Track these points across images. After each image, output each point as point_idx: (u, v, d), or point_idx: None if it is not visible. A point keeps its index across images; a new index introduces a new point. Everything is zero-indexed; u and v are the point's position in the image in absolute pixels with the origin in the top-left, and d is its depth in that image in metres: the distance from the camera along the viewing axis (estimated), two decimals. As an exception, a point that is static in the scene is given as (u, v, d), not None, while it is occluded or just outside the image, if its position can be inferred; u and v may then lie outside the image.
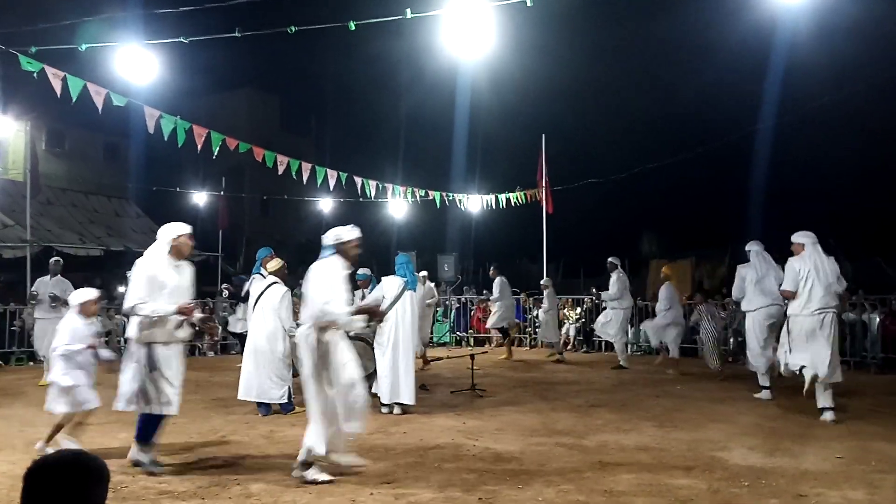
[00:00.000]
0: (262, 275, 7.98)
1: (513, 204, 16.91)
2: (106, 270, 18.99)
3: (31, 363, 12.57)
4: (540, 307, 15.33)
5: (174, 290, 5.19)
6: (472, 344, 16.28)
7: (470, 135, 25.87)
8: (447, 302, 16.80)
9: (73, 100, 7.47)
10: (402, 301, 7.69)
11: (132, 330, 5.20)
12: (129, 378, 5.17)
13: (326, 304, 4.84)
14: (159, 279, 5.14)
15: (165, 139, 9.01)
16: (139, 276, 5.14)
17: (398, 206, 18.91)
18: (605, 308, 12.80)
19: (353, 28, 7.10)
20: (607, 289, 12.46)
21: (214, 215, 22.12)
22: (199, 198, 22.23)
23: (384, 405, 7.59)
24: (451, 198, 16.50)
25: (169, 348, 5.22)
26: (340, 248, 5.11)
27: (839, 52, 17.94)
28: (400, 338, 7.62)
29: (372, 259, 19.51)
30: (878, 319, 11.41)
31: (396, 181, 15.96)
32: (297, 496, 4.57)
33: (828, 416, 6.92)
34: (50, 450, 5.53)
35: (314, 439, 4.85)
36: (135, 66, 8.13)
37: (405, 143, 29.34)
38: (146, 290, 5.08)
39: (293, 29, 7.27)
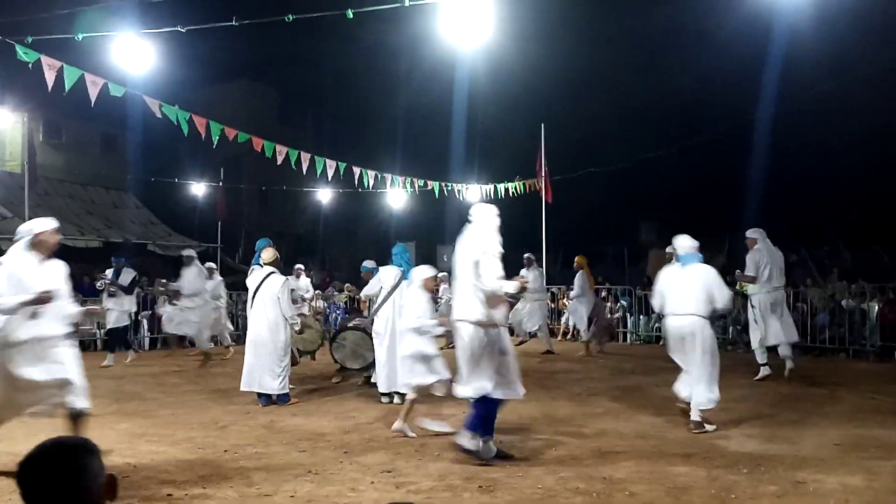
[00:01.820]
0: (259, 265, 7.98)
1: (512, 194, 16.88)
2: (105, 261, 18.95)
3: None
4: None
5: None
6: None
7: (469, 124, 25.73)
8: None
9: (66, 90, 7.42)
10: (399, 291, 7.69)
11: (478, 312, 5.06)
12: (478, 362, 5.06)
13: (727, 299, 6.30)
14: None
15: (175, 124, 8.99)
16: (495, 255, 5.14)
17: (397, 196, 18.89)
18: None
19: (351, 16, 7.06)
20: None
21: (213, 207, 22.06)
22: (198, 189, 22.18)
23: (383, 395, 7.61)
24: (450, 188, 16.46)
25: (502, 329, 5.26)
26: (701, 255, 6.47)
27: (839, 40, 17.83)
28: (397, 328, 7.62)
29: (371, 250, 19.51)
30: (876, 307, 11.44)
31: (395, 171, 15.92)
32: (298, 485, 4.58)
33: (789, 363, 8.81)
34: (406, 429, 5.93)
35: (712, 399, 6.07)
36: (131, 55, 8.06)
37: (404, 133, 29.20)
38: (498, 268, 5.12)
39: (291, 17, 7.23)
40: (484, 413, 5.10)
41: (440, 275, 13.90)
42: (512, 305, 15.24)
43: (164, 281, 12.09)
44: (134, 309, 12.00)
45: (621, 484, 4.51)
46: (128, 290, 11.35)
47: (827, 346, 11.63)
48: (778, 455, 5.17)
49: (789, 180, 22.29)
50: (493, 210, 5.44)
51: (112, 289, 11.25)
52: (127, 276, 11.41)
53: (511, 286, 5.11)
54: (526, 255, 12.90)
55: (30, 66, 7.20)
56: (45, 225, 4.92)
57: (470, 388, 5.09)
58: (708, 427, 6.00)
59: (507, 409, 7.09)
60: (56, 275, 4.87)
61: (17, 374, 4.64)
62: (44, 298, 4.60)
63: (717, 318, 11.33)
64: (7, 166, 21.25)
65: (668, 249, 10.89)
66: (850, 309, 11.64)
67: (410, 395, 6.02)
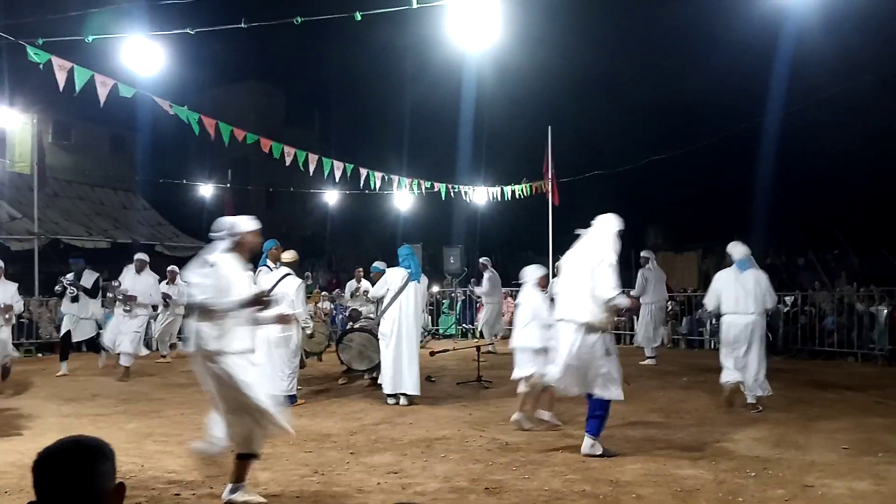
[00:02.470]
0: (268, 267, 7.97)
1: (518, 196, 16.86)
2: (113, 262, 19.04)
3: (40, 354, 12.65)
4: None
5: None
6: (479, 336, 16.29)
7: (476, 126, 25.73)
8: (453, 294, 16.81)
9: (77, 90, 7.45)
10: (406, 292, 7.70)
11: (594, 315, 5.20)
12: (600, 364, 5.23)
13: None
14: None
15: (187, 122, 9.04)
16: (614, 265, 5.28)
17: (403, 198, 18.88)
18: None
19: (359, 18, 7.08)
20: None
21: (221, 208, 22.13)
22: (206, 190, 22.29)
23: (389, 396, 7.62)
24: (456, 190, 16.44)
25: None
26: None
27: (848, 42, 17.78)
28: (403, 329, 7.63)
29: (377, 251, 19.52)
30: (885, 311, 11.37)
31: (402, 173, 15.92)
32: (305, 485, 4.60)
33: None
34: (520, 418, 6.26)
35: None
36: (141, 57, 8.10)
37: (411, 134, 29.24)
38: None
39: (299, 19, 7.25)
40: (604, 413, 5.29)
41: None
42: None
43: (117, 284, 10.33)
44: (99, 315, 10.65)
45: (628, 487, 4.50)
46: (91, 293, 10.17)
47: (835, 350, 11.57)
48: (785, 459, 5.15)
49: (798, 183, 22.19)
50: (615, 220, 5.58)
51: (72, 291, 10.04)
52: (90, 277, 10.22)
53: (624, 300, 5.30)
54: (481, 261, 13.54)
55: (40, 66, 7.25)
56: (250, 225, 4.48)
57: (605, 392, 5.23)
58: (760, 408, 6.90)
59: (512, 412, 7.11)
60: (251, 280, 4.54)
61: (247, 389, 4.12)
62: (262, 300, 4.21)
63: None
64: (16, 167, 21.38)
65: (643, 254, 11.71)
66: (859, 313, 11.58)
67: (522, 388, 6.29)
